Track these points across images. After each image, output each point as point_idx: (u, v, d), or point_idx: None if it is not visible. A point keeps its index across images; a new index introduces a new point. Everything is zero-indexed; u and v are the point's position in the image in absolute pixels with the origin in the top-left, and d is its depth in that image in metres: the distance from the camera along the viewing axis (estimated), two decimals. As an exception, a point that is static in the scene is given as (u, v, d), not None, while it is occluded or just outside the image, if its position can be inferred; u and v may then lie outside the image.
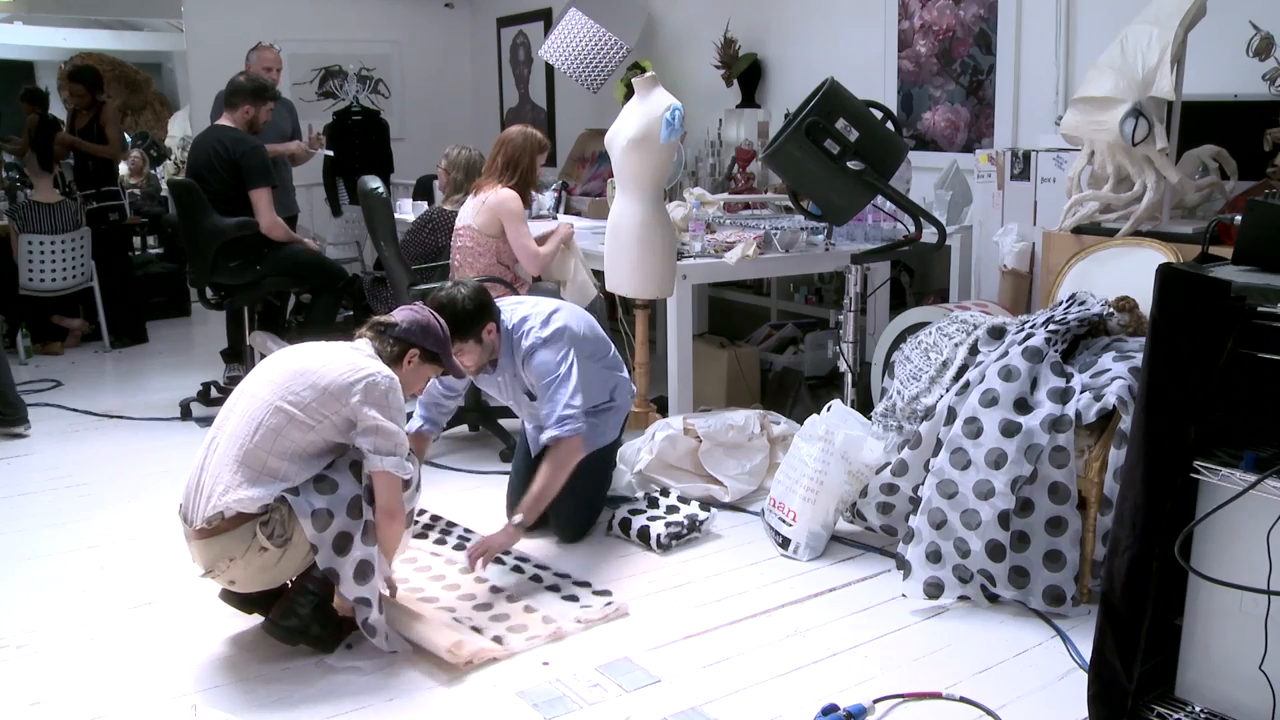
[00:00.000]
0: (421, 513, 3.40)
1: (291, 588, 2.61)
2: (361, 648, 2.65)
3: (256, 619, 2.72)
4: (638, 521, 3.36)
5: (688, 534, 3.36)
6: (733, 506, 3.63)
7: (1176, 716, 2.12)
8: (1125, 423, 2.76)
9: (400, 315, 2.81)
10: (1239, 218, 2.19)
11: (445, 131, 7.72)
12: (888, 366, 3.59)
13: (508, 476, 3.61)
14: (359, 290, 5.07)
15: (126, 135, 7.69)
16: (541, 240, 4.21)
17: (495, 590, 2.99)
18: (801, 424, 3.41)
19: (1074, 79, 4.13)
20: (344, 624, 2.68)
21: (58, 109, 6.94)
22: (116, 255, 6.49)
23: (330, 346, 2.69)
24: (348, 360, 2.60)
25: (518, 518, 3.07)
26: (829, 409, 3.36)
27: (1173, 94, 3.23)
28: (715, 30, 5.84)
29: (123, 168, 7.79)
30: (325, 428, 2.55)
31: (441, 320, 2.85)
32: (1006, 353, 2.98)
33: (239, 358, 5.15)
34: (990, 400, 2.89)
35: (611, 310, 4.87)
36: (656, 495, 3.58)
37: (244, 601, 2.72)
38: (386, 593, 2.77)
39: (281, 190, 5.60)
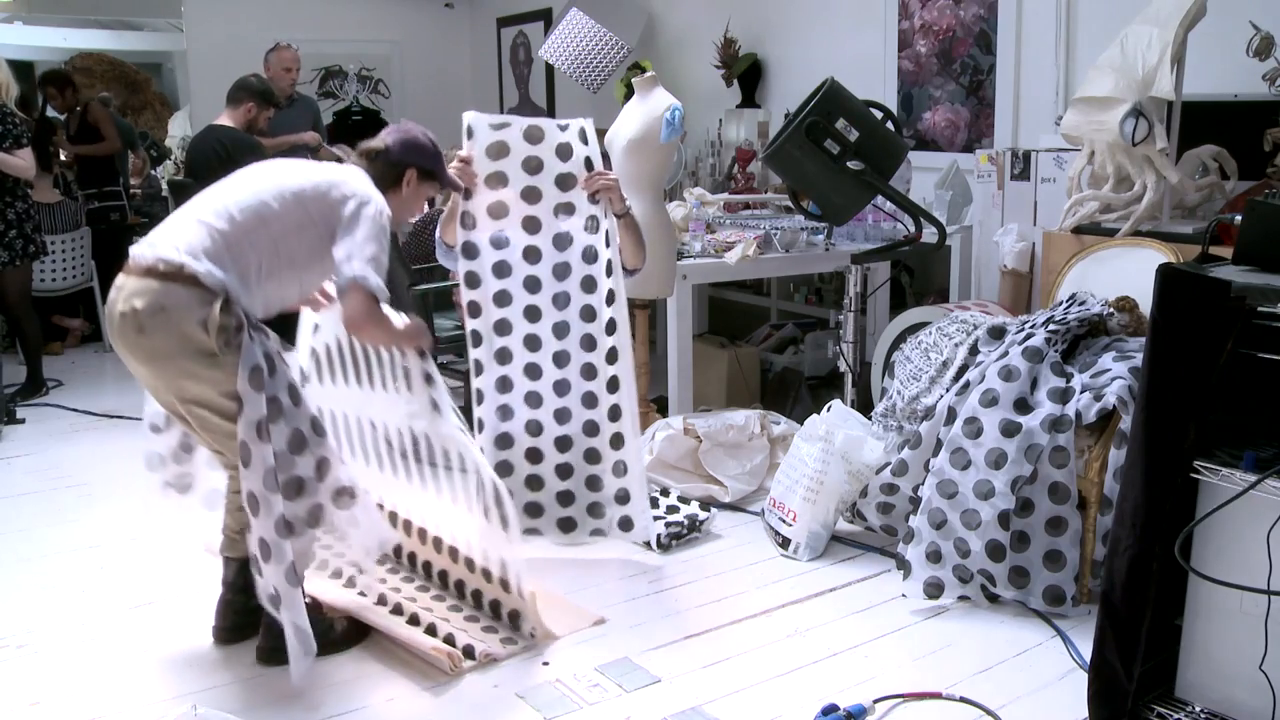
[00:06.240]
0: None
1: (262, 617, 2.51)
2: (363, 648, 2.66)
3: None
4: (638, 521, 3.36)
5: (688, 534, 3.36)
6: (733, 506, 3.63)
7: (1176, 716, 2.12)
8: (1125, 423, 2.76)
9: (389, 138, 2.69)
10: (1239, 218, 2.20)
11: (445, 131, 7.69)
12: (888, 366, 3.59)
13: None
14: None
15: (132, 126, 7.61)
16: None
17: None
18: (801, 424, 3.41)
19: (1074, 79, 4.13)
20: (343, 627, 2.69)
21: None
22: (115, 254, 6.47)
23: (333, 164, 2.59)
24: (355, 177, 2.52)
25: (628, 205, 3.18)
26: (829, 409, 3.36)
27: (1173, 94, 3.23)
28: (715, 30, 5.84)
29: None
30: (321, 229, 2.41)
31: (429, 134, 2.75)
32: (1006, 353, 2.98)
33: None
34: (990, 400, 2.89)
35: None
36: (656, 495, 3.58)
37: (236, 633, 2.67)
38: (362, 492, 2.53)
39: None
